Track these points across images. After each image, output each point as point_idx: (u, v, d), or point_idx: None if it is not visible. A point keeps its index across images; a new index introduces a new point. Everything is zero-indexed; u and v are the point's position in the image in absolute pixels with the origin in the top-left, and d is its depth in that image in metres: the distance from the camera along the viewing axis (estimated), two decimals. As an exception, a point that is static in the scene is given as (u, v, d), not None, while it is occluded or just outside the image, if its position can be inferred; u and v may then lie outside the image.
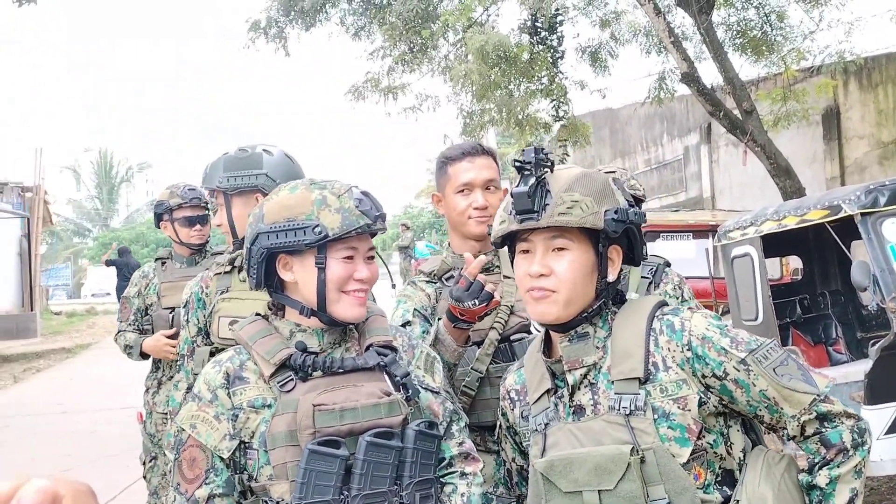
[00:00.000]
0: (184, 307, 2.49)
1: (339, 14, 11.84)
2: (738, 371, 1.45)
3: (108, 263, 14.81)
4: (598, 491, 1.46)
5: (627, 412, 1.46)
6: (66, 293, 34.46)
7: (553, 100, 11.01)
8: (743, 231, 5.06)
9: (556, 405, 1.58)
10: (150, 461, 3.79)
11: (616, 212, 1.50)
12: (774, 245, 5.42)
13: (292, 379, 1.61)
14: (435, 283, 2.36)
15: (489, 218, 2.29)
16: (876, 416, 3.73)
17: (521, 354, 2.13)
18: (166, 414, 3.66)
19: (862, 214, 4.21)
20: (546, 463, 1.53)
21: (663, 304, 1.58)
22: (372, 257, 1.71)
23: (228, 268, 2.43)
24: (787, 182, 8.86)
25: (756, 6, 10.75)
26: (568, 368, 1.55)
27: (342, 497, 1.52)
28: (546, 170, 1.51)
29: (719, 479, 1.48)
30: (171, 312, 3.72)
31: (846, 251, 4.77)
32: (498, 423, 1.82)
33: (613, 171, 3.01)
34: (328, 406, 1.56)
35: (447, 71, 10.86)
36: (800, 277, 6.26)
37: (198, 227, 3.83)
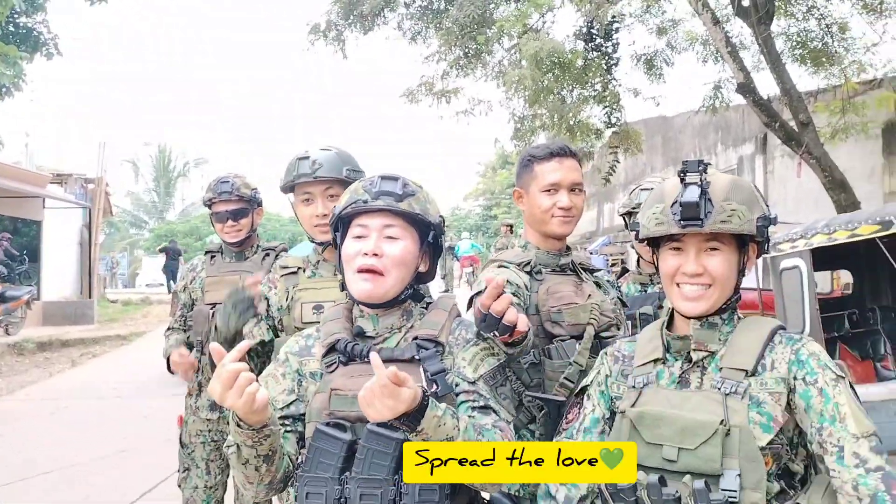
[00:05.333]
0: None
1: (396, 18, 12.00)
2: (828, 385, 1.60)
3: (161, 250, 17.06)
4: (679, 448, 1.62)
5: (726, 392, 1.63)
6: (121, 282, 35.37)
7: (605, 106, 11.00)
8: (793, 244, 5.04)
9: (658, 374, 1.75)
10: (184, 472, 3.60)
11: (765, 219, 1.70)
12: (825, 259, 5.38)
13: (336, 362, 1.75)
14: (526, 273, 2.41)
15: (573, 219, 2.42)
16: (921, 434, 3.71)
17: None
18: (209, 420, 3.57)
19: (914, 230, 4.17)
20: (638, 413, 1.69)
21: (781, 327, 1.75)
22: (392, 237, 1.76)
23: (295, 269, 2.65)
24: (842, 196, 8.73)
25: (817, 17, 10.59)
26: (695, 348, 1.72)
27: (342, 477, 1.60)
28: (706, 177, 1.68)
29: (779, 472, 1.61)
30: (212, 308, 3.41)
31: (897, 267, 4.72)
32: (588, 381, 1.90)
33: (650, 188, 3.07)
34: (343, 391, 1.68)
35: (501, 76, 10.95)
36: (850, 292, 6.19)
37: (230, 222, 3.53)
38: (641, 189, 3.48)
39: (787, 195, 13.83)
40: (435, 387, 1.64)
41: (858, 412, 1.57)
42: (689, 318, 1.75)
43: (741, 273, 1.75)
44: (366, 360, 1.68)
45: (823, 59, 10.49)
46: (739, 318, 1.76)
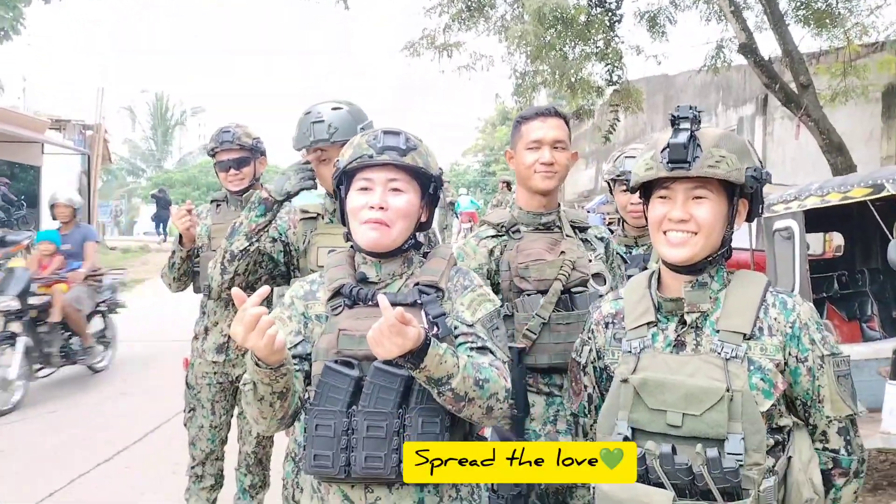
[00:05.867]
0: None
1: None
2: (815, 363, 1.71)
3: (153, 196, 17.69)
4: (683, 414, 1.68)
5: (727, 357, 1.69)
6: (119, 230, 35.44)
7: (608, 64, 10.95)
8: (786, 205, 5.11)
9: (653, 336, 1.79)
10: (190, 412, 3.69)
11: (755, 170, 1.72)
12: (817, 220, 5.45)
13: (341, 305, 1.84)
14: (501, 235, 2.54)
15: (555, 174, 2.52)
16: (899, 391, 3.86)
17: (580, 305, 2.40)
18: (215, 363, 3.64)
19: (904, 194, 4.25)
20: (641, 379, 1.73)
21: (770, 283, 1.80)
22: (397, 189, 1.85)
23: (314, 215, 2.77)
24: (839, 159, 8.75)
25: (822, -23, 10.48)
26: (688, 311, 1.76)
27: (350, 410, 1.71)
28: (698, 126, 1.71)
29: (770, 428, 1.71)
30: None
31: (887, 230, 4.81)
32: (582, 360, 1.96)
33: (633, 156, 3.15)
34: (350, 332, 1.78)
35: (503, 31, 10.86)
36: (841, 254, 6.29)
37: (233, 171, 3.64)
38: (626, 157, 3.50)
39: (786, 157, 13.86)
40: (436, 329, 1.73)
41: (836, 395, 1.71)
42: (673, 265, 1.78)
43: (729, 226, 1.77)
44: (370, 303, 1.79)
45: (827, 21, 10.41)
46: (729, 272, 1.80)
